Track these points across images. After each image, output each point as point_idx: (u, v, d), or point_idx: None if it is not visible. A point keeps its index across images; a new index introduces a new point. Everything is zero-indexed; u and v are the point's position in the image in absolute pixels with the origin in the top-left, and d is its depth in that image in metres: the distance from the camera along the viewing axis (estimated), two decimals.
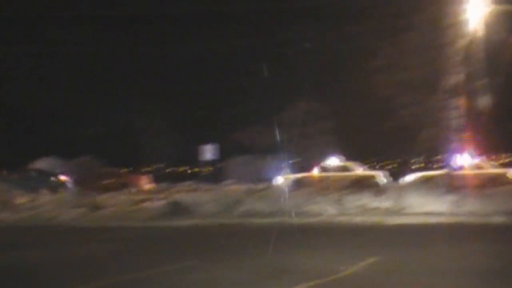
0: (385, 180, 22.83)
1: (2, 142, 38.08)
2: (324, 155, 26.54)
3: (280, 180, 23.76)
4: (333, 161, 24.55)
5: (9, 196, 18.44)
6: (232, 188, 22.10)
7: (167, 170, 42.41)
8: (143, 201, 18.31)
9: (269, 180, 24.78)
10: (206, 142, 30.12)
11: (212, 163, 31.80)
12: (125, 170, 30.18)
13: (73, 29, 36.93)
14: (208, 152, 29.44)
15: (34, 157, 38.37)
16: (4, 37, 38.94)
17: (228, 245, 10.33)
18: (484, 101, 20.28)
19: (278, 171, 25.92)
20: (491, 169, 21.65)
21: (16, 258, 9.14)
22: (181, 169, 45.41)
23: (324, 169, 24.01)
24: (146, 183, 25.90)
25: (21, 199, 19.07)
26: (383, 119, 31.64)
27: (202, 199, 16.79)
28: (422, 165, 34.83)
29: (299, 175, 24.18)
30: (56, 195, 18.40)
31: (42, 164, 39.15)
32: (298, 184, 22.44)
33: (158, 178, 29.39)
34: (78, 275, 7.47)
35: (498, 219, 12.79)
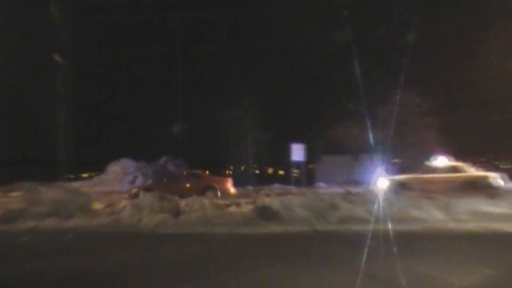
0: (501, 182, 22.13)
1: (79, 143, 39.81)
2: (428, 154, 26.04)
3: (379, 182, 23.45)
4: (440, 160, 24.01)
5: (88, 201, 19.16)
6: (326, 191, 21.98)
7: (255, 172, 42.80)
8: (228, 205, 18.60)
9: (366, 182, 24.58)
10: (296, 141, 30.22)
11: (302, 164, 31.88)
12: (208, 172, 30.66)
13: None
14: (299, 152, 29.55)
15: (109, 159, 39.93)
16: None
17: (324, 253, 10.38)
18: None
19: (376, 173, 25.65)
20: None
21: (108, 261, 9.64)
22: (268, 170, 45.85)
23: (429, 170, 23.51)
24: (230, 186, 26.19)
25: (100, 204, 19.84)
26: (494, 112, 30.84)
27: (293, 204, 16.78)
28: None
29: (400, 177, 23.72)
30: (136, 200, 18.91)
31: (116, 167, 40.69)
32: (399, 187, 22.11)
33: (243, 180, 29.67)
34: (177, 277, 7.79)
35: None
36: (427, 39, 30.91)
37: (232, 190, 26.09)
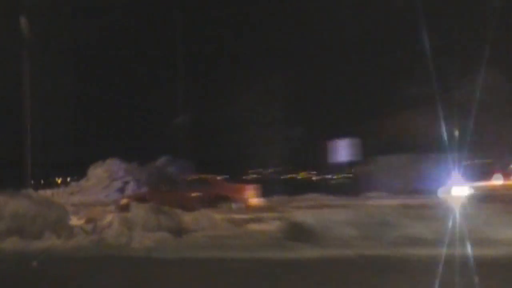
0: None
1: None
2: None
3: (449, 191, 23.33)
4: None
5: (62, 215, 19.25)
6: (378, 203, 21.96)
7: (281, 177, 42.78)
8: (248, 221, 18.61)
9: (433, 191, 24.48)
10: (340, 137, 30.11)
11: (348, 166, 31.81)
12: (221, 177, 30.77)
13: None
14: (344, 150, 29.48)
15: (92, 159, 40.16)
16: None
17: (376, 286, 10.30)
18: None
19: (445, 179, 25.52)
20: None
21: None
22: (302, 175, 45.78)
23: None
24: (251, 196, 26.23)
25: (78, 218, 19.95)
26: None
27: (335, 220, 16.70)
28: None
29: (479, 184, 23.61)
30: (126, 213, 18.98)
31: (100, 170, 40.90)
32: (477, 198, 22.01)
33: (267, 188, 29.67)
34: None
35: None
36: None
37: (254, 200, 26.11)
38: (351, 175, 34.53)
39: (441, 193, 23.68)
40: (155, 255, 15.08)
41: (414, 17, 27.40)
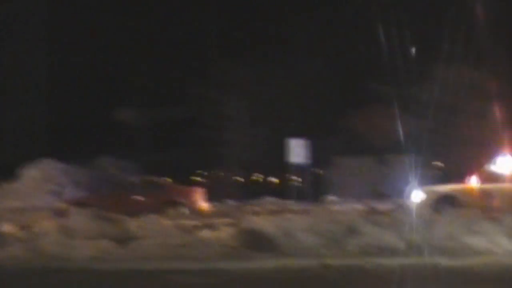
0: None
1: None
2: (488, 155, 26.08)
3: (417, 195, 23.46)
4: (505, 164, 24.03)
5: None
6: (341, 208, 21.98)
7: (236, 179, 42.78)
8: (200, 228, 18.46)
9: (399, 195, 24.61)
10: (298, 137, 30.11)
11: (307, 168, 31.86)
12: (168, 180, 30.60)
13: None
14: (299, 151, 29.45)
15: (25, 159, 39.64)
16: None
17: None
18: None
19: (411, 182, 25.66)
20: None
21: None
22: (258, 178, 45.85)
23: (490, 178, 23.51)
24: (203, 200, 26.20)
25: (10, 226, 19.62)
26: None
27: (295, 227, 16.67)
28: None
29: (448, 188, 23.78)
30: (64, 220, 18.76)
31: (34, 171, 40.37)
32: (447, 202, 22.13)
33: (222, 192, 29.66)
34: None
35: None
36: None
37: (205, 205, 26.10)
38: (310, 178, 34.55)
39: (409, 196, 23.76)
40: (97, 266, 14.79)
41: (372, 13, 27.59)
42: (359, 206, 24.92)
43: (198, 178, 43.94)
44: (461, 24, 28.62)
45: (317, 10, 42.57)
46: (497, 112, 31.40)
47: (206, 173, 45.22)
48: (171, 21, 46.81)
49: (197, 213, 24.72)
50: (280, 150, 29.94)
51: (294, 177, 33.12)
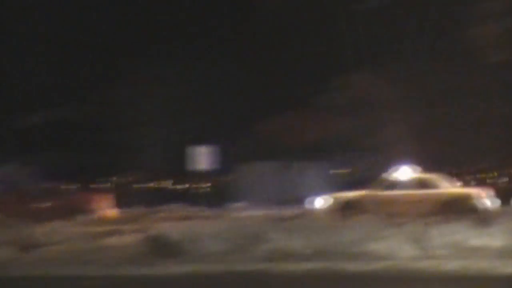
0: (488, 203, 22.65)
1: None
2: (388, 163, 26.43)
3: (322, 201, 23.61)
4: (404, 172, 24.36)
5: None
6: (245, 214, 22.03)
7: (140, 186, 42.51)
8: (106, 234, 18.38)
9: (305, 201, 24.75)
10: (203, 143, 30.01)
11: (211, 174, 31.82)
12: (73, 186, 30.29)
13: None
14: (204, 157, 29.33)
15: None
16: None
17: None
18: None
19: (317, 188, 25.87)
20: None
21: None
22: (162, 183, 45.58)
23: (390, 185, 23.82)
24: (108, 207, 25.99)
25: None
26: (480, 109, 31.71)
27: (201, 233, 16.75)
28: None
29: (353, 194, 23.97)
30: None
31: None
32: (352, 208, 22.35)
33: (128, 198, 29.47)
34: None
35: None
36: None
37: (111, 211, 25.92)
38: (214, 184, 34.60)
39: (314, 203, 23.87)
40: (1, 273, 14.67)
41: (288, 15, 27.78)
42: (266, 212, 24.98)
43: (107, 184, 43.57)
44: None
45: (228, 10, 42.68)
46: (403, 120, 31.91)
47: (114, 179, 44.85)
48: (76, 20, 46.04)
49: (105, 219, 24.55)
50: (185, 157, 29.79)
51: (202, 183, 33.14)
